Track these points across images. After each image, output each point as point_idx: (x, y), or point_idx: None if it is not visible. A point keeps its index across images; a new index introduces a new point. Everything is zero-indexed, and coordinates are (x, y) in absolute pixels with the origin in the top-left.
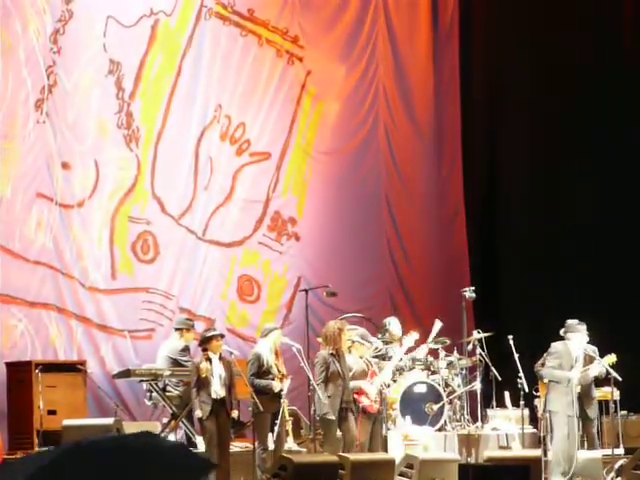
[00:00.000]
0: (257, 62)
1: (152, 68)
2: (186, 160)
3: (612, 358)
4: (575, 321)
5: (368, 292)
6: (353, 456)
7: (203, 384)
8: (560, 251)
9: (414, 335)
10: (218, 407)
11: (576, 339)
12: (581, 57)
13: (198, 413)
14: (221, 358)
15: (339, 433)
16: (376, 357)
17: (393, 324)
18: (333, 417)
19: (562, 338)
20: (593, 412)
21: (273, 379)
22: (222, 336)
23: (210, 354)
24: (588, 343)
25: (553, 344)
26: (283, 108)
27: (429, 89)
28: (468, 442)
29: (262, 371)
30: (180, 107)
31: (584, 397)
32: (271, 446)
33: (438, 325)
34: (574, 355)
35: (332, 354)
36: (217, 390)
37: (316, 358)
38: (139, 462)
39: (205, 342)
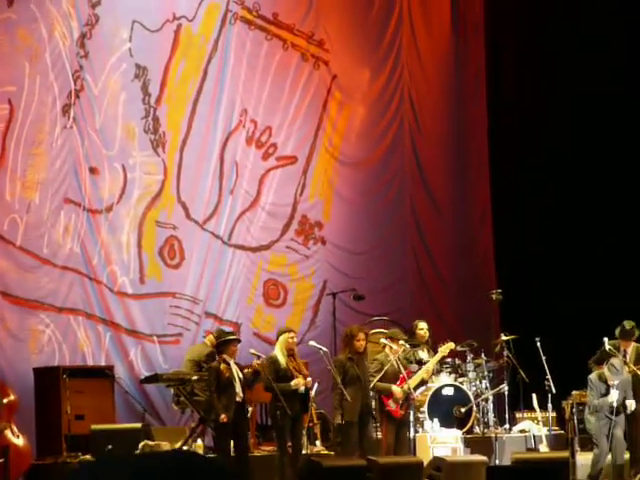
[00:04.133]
0: (282, 66)
1: (176, 73)
2: (211, 165)
3: None
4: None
5: (393, 296)
6: (381, 459)
7: (225, 387)
8: (588, 253)
9: (449, 345)
10: (239, 411)
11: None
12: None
13: (224, 417)
14: (236, 363)
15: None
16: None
17: (421, 327)
18: (350, 420)
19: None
20: None
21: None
22: (239, 341)
23: (226, 357)
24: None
25: (588, 377)
26: (309, 112)
27: (454, 92)
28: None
29: (280, 375)
30: (205, 112)
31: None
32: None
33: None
34: (611, 381)
35: (350, 358)
36: (239, 393)
37: (334, 362)
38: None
39: (222, 346)
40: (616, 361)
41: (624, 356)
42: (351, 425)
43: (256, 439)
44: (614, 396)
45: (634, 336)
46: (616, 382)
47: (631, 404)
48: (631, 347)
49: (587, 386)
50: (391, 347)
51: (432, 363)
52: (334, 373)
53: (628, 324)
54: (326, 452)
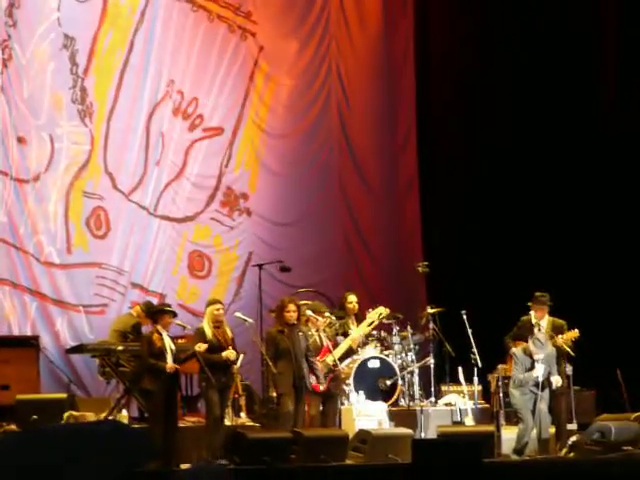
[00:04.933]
0: (209, 38)
1: (104, 44)
2: (138, 136)
3: (574, 333)
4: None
5: (320, 268)
6: (306, 432)
7: (156, 357)
8: (516, 226)
9: (380, 310)
10: (170, 381)
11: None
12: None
13: (170, 367)
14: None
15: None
16: (338, 334)
17: (350, 299)
18: (283, 393)
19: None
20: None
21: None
22: (175, 315)
23: (159, 328)
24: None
25: (512, 351)
26: (236, 84)
27: (382, 64)
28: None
29: (209, 346)
30: (132, 83)
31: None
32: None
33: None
34: (536, 355)
35: (280, 331)
36: (171, 364)
37: (266, 336)
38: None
39: (157, 315)
40: (541, 335)
41: (539, 328)
42: (284, 398)
43: (181, 410)
44: (539, 371)
45: (547, 303)
46: (541, 356)
47: (556, 380)
48: (545, 319)
49: (512, 360)
50: (317, 319)
51: (360, 329)
52: (259, 345)
53: (539, 294)
54: (251, 424)
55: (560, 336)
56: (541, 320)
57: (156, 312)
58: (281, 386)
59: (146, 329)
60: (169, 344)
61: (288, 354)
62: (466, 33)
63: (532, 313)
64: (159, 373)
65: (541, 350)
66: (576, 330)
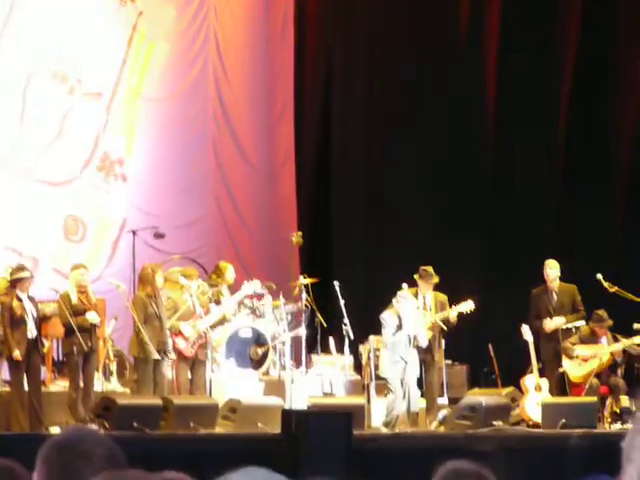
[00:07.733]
0: (88, 2)
1: None
2: (16, 100)
3: (469, 306)
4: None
5: (194, 235)
6: (176, 399)
7: (17, 323)
8: (392, 197)
9: (255, 283)
10: (31, 347)
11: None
12: None
13: (17, 354)
14: (29, 297)
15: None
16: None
17: (230, 270)
18: (146, 357)
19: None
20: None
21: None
22: (32, 277)
23: (19, 293)
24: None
25: (381, 316)
26: (114, 49)
27: (261, 34)
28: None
29: (73, 311)
30: (10, 47)
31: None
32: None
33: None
34: (402, 312)
35: (149, 295)
36: (32, 329)
37: (134, 300)
38: None
39: (16, 282)
40: (403, 292)
41: (424, 303)
42: (148, 362)
43: (52, 374)
44: (408, 327)
45: (433, 277)
46: (407, 312)
47: (421, 338)
48: (430, 293)
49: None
50: (190, 286)
51: (233, 300)
52: (132, 310)
53: (427, 267)
54: (122, 390)
55: (454, 307)
56: (426, 294)
57: (14, 280)
58: (144, 351)
59: None
60: (30, 309)
61: (155, 319)
62: (346, 4)
63: (405, 285)
64: (21, 340)
65: (405, 305)
66: (470, 301)
